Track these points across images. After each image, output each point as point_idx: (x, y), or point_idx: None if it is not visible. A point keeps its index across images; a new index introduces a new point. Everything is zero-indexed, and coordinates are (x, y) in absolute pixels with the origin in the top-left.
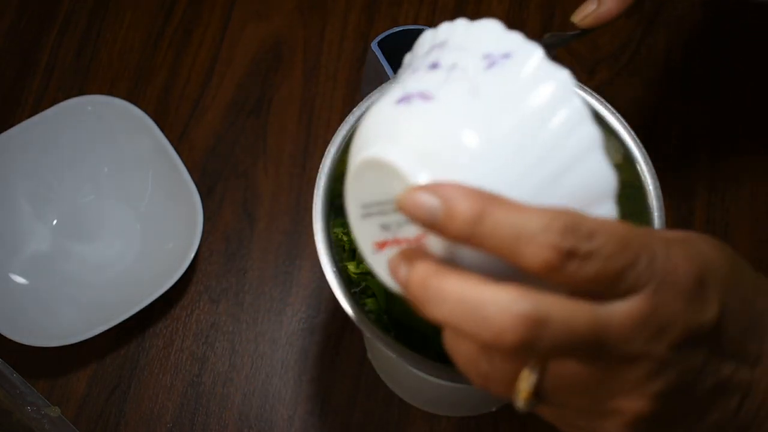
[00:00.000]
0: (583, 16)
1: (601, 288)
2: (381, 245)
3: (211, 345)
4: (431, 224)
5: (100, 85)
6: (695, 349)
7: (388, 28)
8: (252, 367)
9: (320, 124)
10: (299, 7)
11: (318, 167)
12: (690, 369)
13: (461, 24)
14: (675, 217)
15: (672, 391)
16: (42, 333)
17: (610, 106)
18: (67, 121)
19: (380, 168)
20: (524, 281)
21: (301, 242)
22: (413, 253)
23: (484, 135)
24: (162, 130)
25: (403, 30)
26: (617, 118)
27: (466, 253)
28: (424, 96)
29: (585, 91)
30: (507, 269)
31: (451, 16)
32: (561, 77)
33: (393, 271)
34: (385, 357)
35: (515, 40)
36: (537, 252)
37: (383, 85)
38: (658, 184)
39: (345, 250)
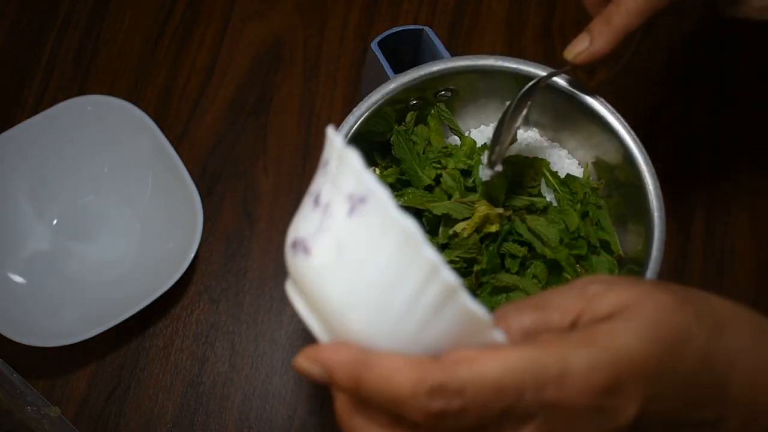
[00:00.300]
0: (576, 53)
1: (492, 429)
2: None
3: (211, 345)
4: (328, 384)
5: (100, 85)
6: None
7: (388, 28)
8: (252, 367)
9: (320, 124)
10: (299, 7)
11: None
12: None
13: (336, 148)
14: (675, 217)
15: None
16: (42, 333)
17: (610, 106)
18: (67, 121)
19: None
20: None
21: None
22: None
23: (352, 293)
24: (162, 130)
25: (403, 30)
26: (617, 118)
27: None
28: (306, 249)
29: (585, 91)
30: None
31: (451, 16)
32: (405, 226)
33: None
34: None
35: (369, 183)
36: (413, 414)
37: (383, 84)
38: (658, 184)
39: None
